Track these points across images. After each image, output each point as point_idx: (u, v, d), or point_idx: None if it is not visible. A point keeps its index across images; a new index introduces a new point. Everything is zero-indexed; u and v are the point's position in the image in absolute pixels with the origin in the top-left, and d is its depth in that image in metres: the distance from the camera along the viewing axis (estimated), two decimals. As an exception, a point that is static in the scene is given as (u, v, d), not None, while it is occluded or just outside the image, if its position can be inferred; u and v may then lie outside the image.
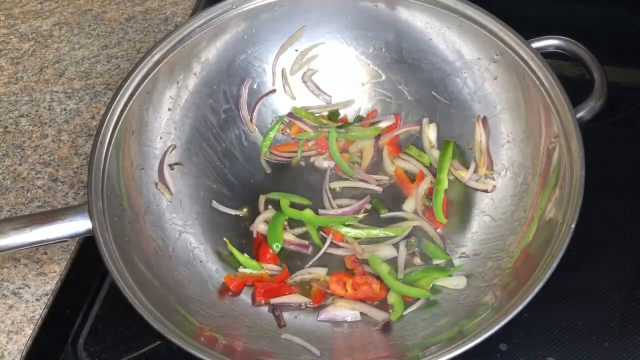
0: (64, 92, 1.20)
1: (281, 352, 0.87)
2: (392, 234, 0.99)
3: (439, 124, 1.08)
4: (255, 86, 1.10)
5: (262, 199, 1.04)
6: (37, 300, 0.96)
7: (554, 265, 0.80)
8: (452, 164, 1.04)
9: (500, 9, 1.01)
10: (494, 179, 1.01)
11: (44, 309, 0.95)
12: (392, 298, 0.94)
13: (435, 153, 1.06)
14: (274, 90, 1.10)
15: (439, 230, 1.00)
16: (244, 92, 1.09)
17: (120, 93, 0.95)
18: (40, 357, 0.94)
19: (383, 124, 1.09)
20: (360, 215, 1.02)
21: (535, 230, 0.90)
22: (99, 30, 1.30)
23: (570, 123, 0.89)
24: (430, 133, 1.07)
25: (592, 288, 0.95)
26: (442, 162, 1.04)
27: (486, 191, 1.01)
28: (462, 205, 1.02)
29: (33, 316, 0.94)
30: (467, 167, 1.03)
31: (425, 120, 1.08)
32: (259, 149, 1.09)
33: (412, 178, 1.05)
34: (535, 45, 0.97)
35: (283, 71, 1.11)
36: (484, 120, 1.03)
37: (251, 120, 1.09)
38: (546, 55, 0.95)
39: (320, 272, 0.97)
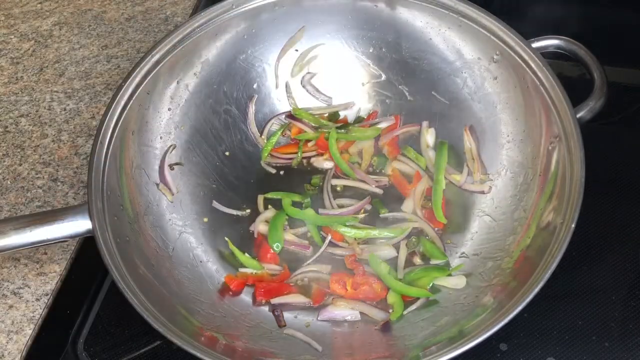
0: (64, 92, 1.20)
1: (282, 352, 0.88)
2: (392, 235, 0.99)
3: (438, 126, 1.08)
4: (255, 86, 1.10)
5: (260, 199, 1.04)
6: (37, 300, 0.96)
7: (554, 265, 0.80)
8: (446, 169, 1.04)
9: (500, 8, 1.01)
10: (491, 180, 1.01)
11: (44, 309, 0.95)
12: (391, 298, 0.94)
13: (432, 154, 1.06)
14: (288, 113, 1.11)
15: (439, 230, 1.00)
16: (252, 108, 1.09)
17: (120, 93, 0.95)
18: (40, 357, 0.94)
19: (383, 125, 1.09)
20: (361, 216, 1.02)
21: (535, 231, 0.90)
22: (99, 30, 1.30)
23: (570, 123, 0.89)
24: (429, 137, 1.07)
25: (592, 288, 0.95)
26: (438, 163, 1.04)
27: (482, 192, 1.01)
28: (462, 205, 1.02)
29: (33, 316, 0.94)
30: (461, 171, 1.03)
31: (425, 123, 1.08)
32: (260, 151, 1.09)
33: (410, 179, 1.05)
34: (535, 45, 0.97)
35: (287, 84, 1.11)
36: (472, 129, 1.04)
37: (261, 135, 1.10)
38: (546, 55, 0.95)
39: (324, 268, 0.97)
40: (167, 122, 1.02)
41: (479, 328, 0.79)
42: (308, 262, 0.98)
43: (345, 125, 1.10)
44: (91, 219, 0.85)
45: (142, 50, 1.26)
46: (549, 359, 0.89)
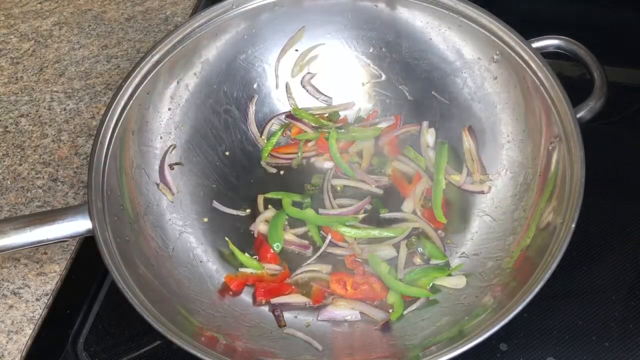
0: (64, 92, 1.20)
1: (282, 352, 0.88)
2: (392, 235, 0.99)
3: (438, 126, 1.08)
4: (255, 86, 1.10)
5: (260, 199, 1.04)
6: (37, 300, 0.96)
7: (554, 265, 0.80)
8: (446, 169, 1.04)
9: (500, 9, 1.01)
10: (491, 180, 1.01)
11: (44, 309, 0.95)
12: (392, 298, 0.94)
13: (432, 154, 1.06)
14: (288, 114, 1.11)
15: (439, 230, 1.00)
16: (252, 108, 1.09)
17: (120, 93, 0.95)
18: (40, 357, 0.94)
19: (383, 125, 1.09)
20: (361, 216, 1.02)
21: (535, 231, 0.90)
22: (99, 30, 1.30)
23: (570, 123, 0.89)
24: (429, 137, 1.07)
25: (592, 288, 0.95)
26: (438, 163, 1.04)
27: (482, 192, 1.01)
28: (462, 205, 1.02)
29: (33, 316, 0.94)
30: (461, 171, 1.03)
31: (425, 123, 1.08)
32: (260, 151, 1.09)
33: (410, 179, 1.05)
34: (535, 45, 0.97)
35: (287, 84, 1.11)
36: (471, 129, 1.04)
37: (261, 135, 1.10)
38: (546, 55, 0.95)
39: (324, 268, 0.97)
40: (167, 122, 1.02)
41: (479, 328, 0.79)
42: (308, 262, 0.98)
43: (345, 125, 1.10)
44: (91, 219, 0.85)
45: (142, 50, 1.26)
46: (549, 359, 0.90)
